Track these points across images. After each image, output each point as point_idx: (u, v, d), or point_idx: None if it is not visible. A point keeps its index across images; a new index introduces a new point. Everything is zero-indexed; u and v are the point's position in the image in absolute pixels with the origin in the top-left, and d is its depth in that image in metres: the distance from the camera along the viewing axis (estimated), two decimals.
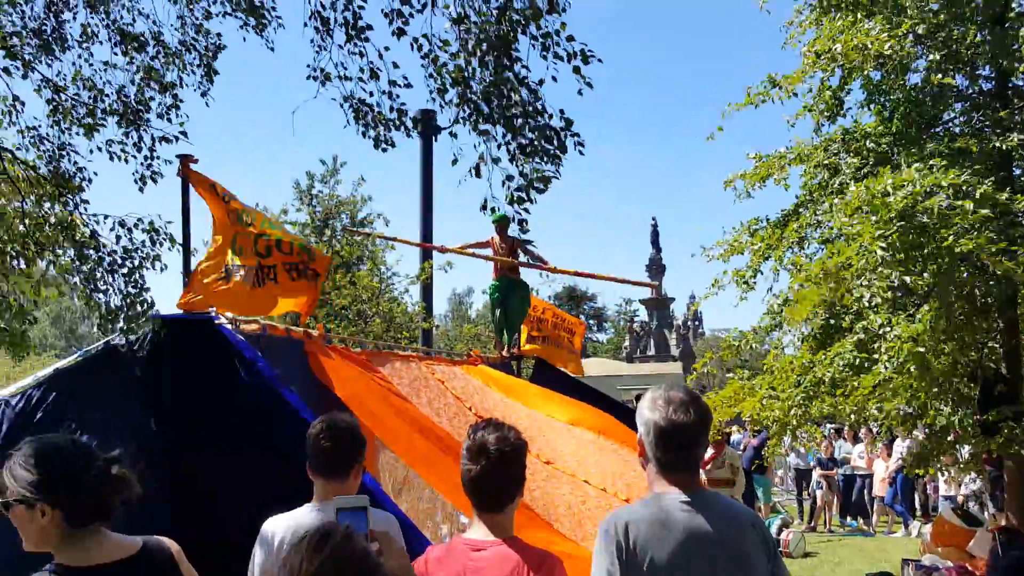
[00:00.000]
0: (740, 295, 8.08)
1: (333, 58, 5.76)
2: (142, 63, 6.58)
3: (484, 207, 5.47)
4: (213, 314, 5.67)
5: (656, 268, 44.43)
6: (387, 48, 5.75)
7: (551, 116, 5.38)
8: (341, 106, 5.79)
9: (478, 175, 5.43)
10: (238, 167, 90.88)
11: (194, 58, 6.81)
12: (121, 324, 5.71)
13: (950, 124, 8.03)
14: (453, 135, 5.57)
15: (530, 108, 5.38)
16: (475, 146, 5.51)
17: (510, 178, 5.40)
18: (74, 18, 6.48)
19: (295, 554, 1.74)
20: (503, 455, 2.83)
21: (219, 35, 6.87)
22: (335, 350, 6.46)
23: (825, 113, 8.25)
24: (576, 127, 5.46)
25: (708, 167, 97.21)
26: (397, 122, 5.86)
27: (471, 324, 32.61)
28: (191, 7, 6.59)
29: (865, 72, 7.72)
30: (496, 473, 2.83)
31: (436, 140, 16.63)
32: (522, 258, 10.99)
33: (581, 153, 5.51)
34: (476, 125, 5.48)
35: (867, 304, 6.98)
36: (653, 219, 47.26)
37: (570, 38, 5.31)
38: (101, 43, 6.48)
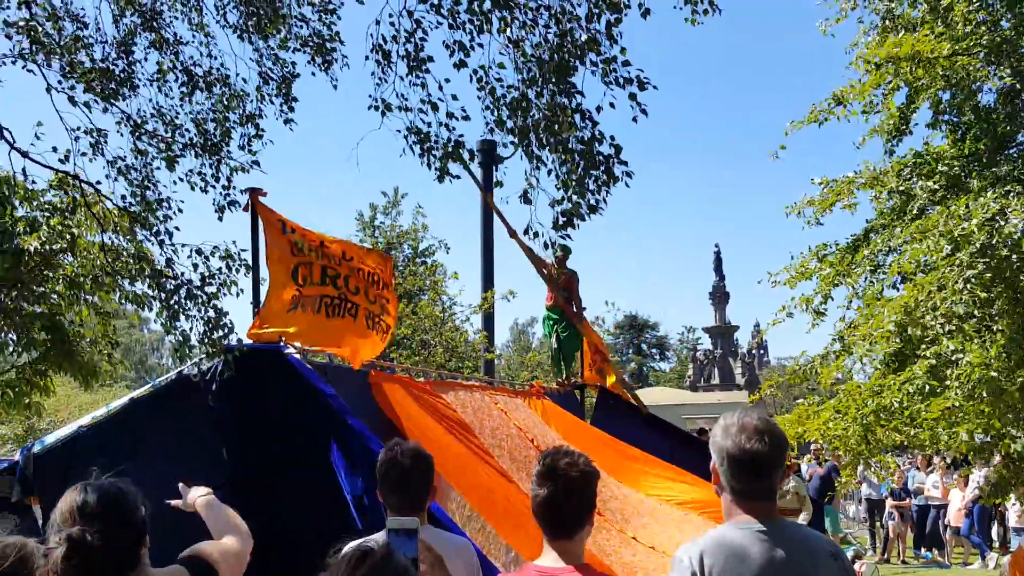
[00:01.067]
0: (811, 322, 7.94)
1: (397, 89, 5.85)
2: (217, 99, 6.78)
3: (527, 232, 5.48)
4: (282, 344, 5.76)
5: (719, 296, 43.93)
6: (447, 80, 5.83)
7: (601, 141, 5.38)
8: (405, 138, 5.87)
9: (527, 201, 5.45)
10: (303, 197, 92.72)
11: (272, 88, 7.00)
12: (204, 348, 5.83)
13: None
14: (498, 159, 5.60)
15: (586, 136, 5.39)
16: (525, 172, 5.54)
17: (558, 202, 5.40)
18: (145, 59, 6.72)
19: (334, 570, 1.75)
20: (573, 480, 2.82)
21: (293, 63, 7.06)
22: (398, 379, 6.51)
23: (892, 133, 8.09)
24: (631, 151, 5.48)
25: (772, 190, 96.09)
26: (454, 153, 5.92)
27: (534, 351, 32.60)
28: (265, 39, 6.78)
29: (933, 91, 7.57)
30: (566, 498, 2.82)
31: (497, 169, 16.77)
32: (572, 303, 11.00)
33: (627, 185, 5.51)
34: (529, 151, 5.51)
35: (941, 330, 6.79)
36: (716, 246, 46.85)
37: (626, 63, 5.32)
38: (167, 83, 6.69)
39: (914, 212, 7.51)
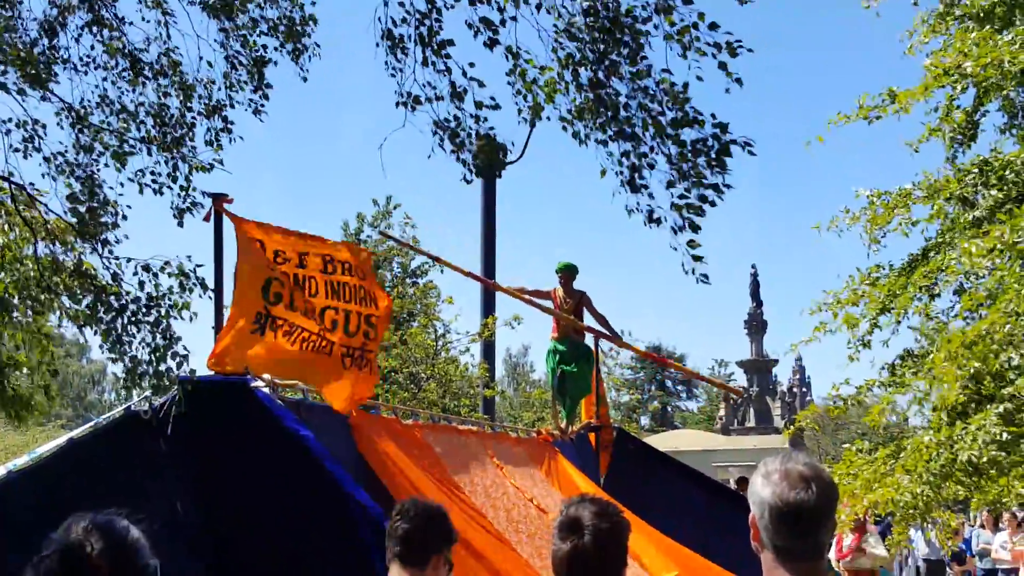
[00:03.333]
0: (853, 351, 7.83)
1: (417, 78, 5.80)
2: (165, 88, 6.73)
3: (651, 219, 5.43)
4: (248, 376, 5.68)
5: (756, 325, 43.90)
6: (472, 64, 5.76)
7: (702, 123, 5.29)
8: (435, 133, 5.83)
9: (634, 190, 5.40)
10: (278, 205, 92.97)
11: (241, 75, 6.95)
12: (150, 380, 5.75)
13: None
14: (580, 137, 5.53)
15: (678, 115, 5.32)
16: (610, 155, 5.45)
17: (671, 184, 5.33)
18: (77, 40, 6.66)
19: None
20: (600, 533, 2.77)
21: (264, 47, 7.02)
22: (383, 422, 6.45)
23: (956, 138, 8.01)
24: None
25: (818, 204, 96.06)
26: (487, 149, 5.88)
27: (539, 388, 32.51)
28: (232, 18, 6.74)
29: (1005, 92, 7.52)
30: (591, 554, 2.76)
31: (500, 176, 16.75)
32: (587, 320, 10.62)
33: (752, 153, 5.41)
34: (606, 130, 5.44)
35: (1013, 365, 6.70)
36: (753, 267, 46.90)
37: (713, 25, 5.21)
38: (112, 69, 6.64)
39: (969, 222, 7.44)
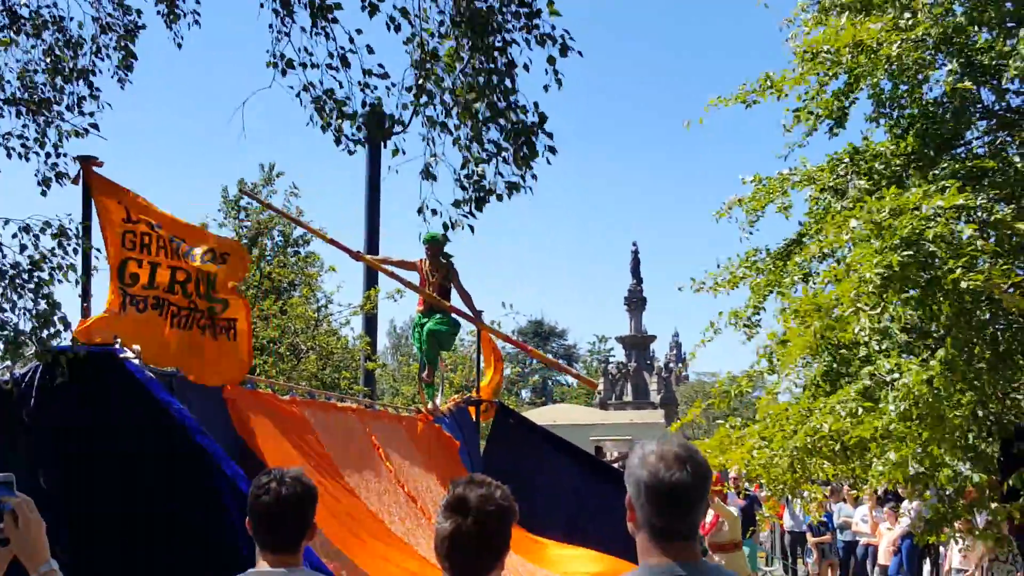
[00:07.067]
0: (745, 336, 8.06)
1: (300, 43, 5.63)
2: (48, 46, 6.43)
3: (421, 211, 5.37)
4: (118, 347, 5.51)
5: (636, 302, 44.69)
6: (359, 31, 5.62)
7: (525, 110, 5.28)
8: (299, 96, 5.66)
9: (430, 177, 5.35)
10: (157, 170, 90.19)
11: (110, 39, 6.67)
12: (33, 349, 5.46)
13: (972, 144, 8.10)
14: (399, 123, 5.46)
15: (507, 101, 5.29)
16: (428, 143, 5.40)
17: (467, 178, 5.30)
18: None
19: None
20: (483, 515, 2.78)
21: (139, 12, 6.75)
22: (260, 396, 6.34)
23: (824, 120, 8.21)
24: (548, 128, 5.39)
25: (700, 184, 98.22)
26: (370, 120, 5.74)
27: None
28: None
29: (875, 80, 7.77)
30: (472, 535, 2.77)
31: (386, 146, 16.52)
32: (454, 297, 10.21)
33: (548, 162, 5.43)
34: (432, 120, 5.39)
35: (877, 348, 6.97)
36: (634, 244, 47.68)
37: (554, 12, 5.18)
38: None
39: (838, 210, 7.71)
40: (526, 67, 5.32)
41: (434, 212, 5.38)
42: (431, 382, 10.52)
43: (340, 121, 5.67)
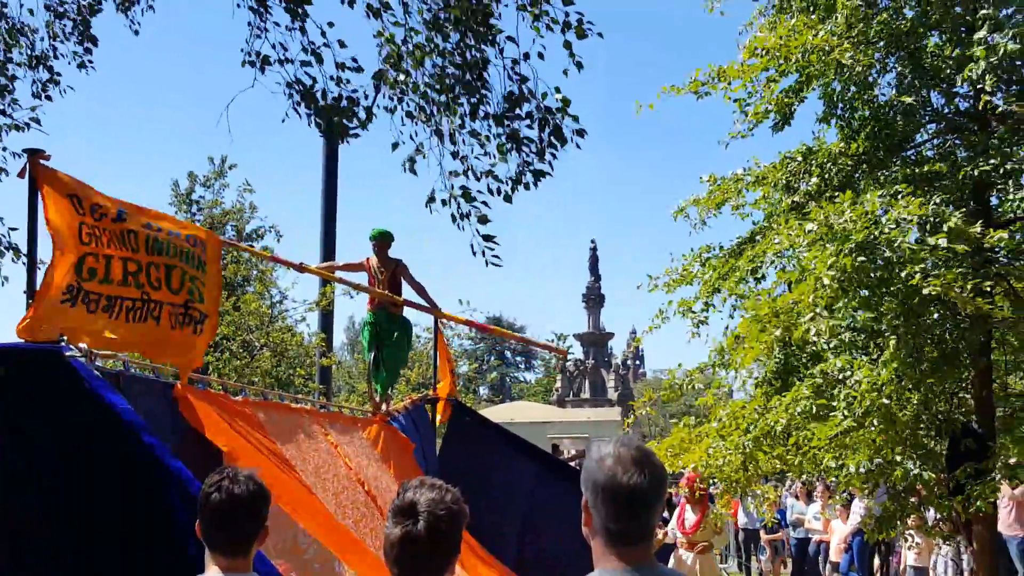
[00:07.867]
0: (691, 331, 8.11)
1: (270, 39, 5.61)
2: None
3: (432, 200, 5.35)
4: (63, 344, 5.39)
5: (594, 299, 44.82)
6: (331, 24, 5.59)
7: (544, 95, 5.25)
8: (285, 91, 5.61)
9: (412, 171, 5.33)
10: (104, 163, 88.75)
11: (65, 24, 6.56)
12: None
13: (922, 147, 8.20)
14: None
15: (517, 89, 5.27)
16: (412, 136, 5.37)
17: (486, 174, 5.27)
18: None
19: None
20: (433, 519, 2.77)
21: None
22: (210, 396, 6.26)
23: (769, 115, 8.24)
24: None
25: (659, 183, 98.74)
26: (348, 112, 5.71)
27: None
28: None
29: (827, 80, 7.84)
30: (422, 540, 2.76)
31: (347, 142, 16.43)
32: (406, 292, 9.89)
33: (578, 147, 5.41)
34: (427, 110, 5.36)
35: (826, 346, 7.05)
36: (592, 242, 47.80)
37: (568, 0, 5.16)
38: None
39: (789, 206, 7.78)
40: (540, 55, 5.30)
41: (444, 203, 5.36)
42: (387, 388, 10.24)
43: (320, 115, 5.65)
